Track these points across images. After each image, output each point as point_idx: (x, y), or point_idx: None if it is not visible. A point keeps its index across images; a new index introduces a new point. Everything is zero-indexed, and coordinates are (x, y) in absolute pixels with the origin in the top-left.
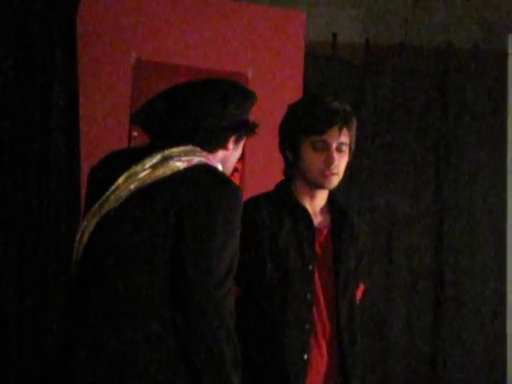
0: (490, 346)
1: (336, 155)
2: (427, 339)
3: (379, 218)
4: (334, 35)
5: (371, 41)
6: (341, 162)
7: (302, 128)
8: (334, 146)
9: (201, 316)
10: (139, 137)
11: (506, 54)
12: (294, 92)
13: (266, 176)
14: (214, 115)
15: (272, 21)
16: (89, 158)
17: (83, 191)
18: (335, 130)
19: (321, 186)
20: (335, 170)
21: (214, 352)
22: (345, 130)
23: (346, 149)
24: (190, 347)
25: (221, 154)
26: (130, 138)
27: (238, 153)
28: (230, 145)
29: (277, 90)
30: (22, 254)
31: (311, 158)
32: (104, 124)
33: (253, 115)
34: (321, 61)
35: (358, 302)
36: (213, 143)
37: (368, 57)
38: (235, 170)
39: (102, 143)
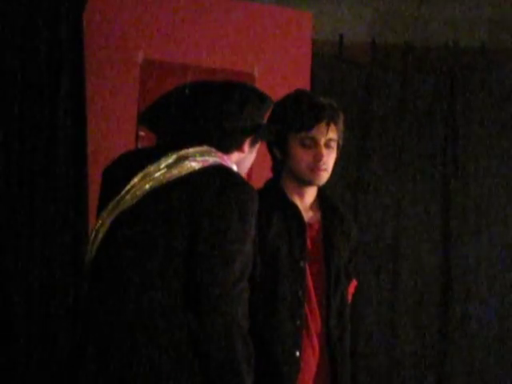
0: (500, 348)
1: (325, 151)
2: (435, 342)
3: (386, 219)
4: (341, 35)
5: (378, 40)
6: (329, 158)
7: (289, 125)
8: (323, 141)
9: (215, 315)
10: (146, 136)
11: None
12: None
13: (271, 174)
14: (231, 116)
15: (279, 21)
16: (96, 158)
17: (90, 191)
18: (323, 125)
19: (310, 183)
20: (324, 166)
21: (228, 351)
22: (332, 126)
23: (334, 145)
24: (203, 347)
25: (236, 155)
26: (137, 137)
27: (252, 156)
28: (246, 147)
29: (283, 89)
30: (29, 254)
31: (300, 155)
32: (111, 124)
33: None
34: (327, 60)
35: (350, 297)
36: (228, 144)
37: (374, 56)
38: None
39: (109, 143)
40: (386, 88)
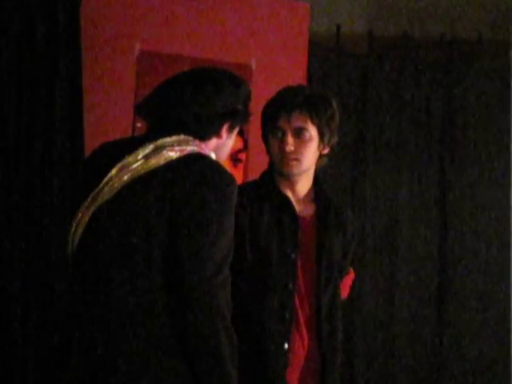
0: (495, 335)
1: (292, 140)
2: (432, 329)
3: (383, 209)
4: (338, 26)
5: (375, 32)
6: (301, 148)
7: (263, 118)
8: (289, 131)
9: (196, 304)
10: (143, 128)
11: (509, 44)
12: (297, 83)
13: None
14: (205, 102)
15: (276, 11)
16: (94, 149)
17: None
18: (286, 115)
19: (282, 174)
20: (293, 156)
21: (210, 341)
22: (297, 115)
23: (307, 134)
24: (185, 337)
25: (214, 142)
26: (133, 129)
27: (231, 142)
28: (224, 133)
29: (280, 80)
30: (26, 248)
31: (271, 146)
32: (108, 115)
33: (256, 106)
34: (324, 52)
35: (348, 289)
36: (206, 131)
37: (372, 47)
38: (239, 161)
39: (106, 134)
40: (383, 79)
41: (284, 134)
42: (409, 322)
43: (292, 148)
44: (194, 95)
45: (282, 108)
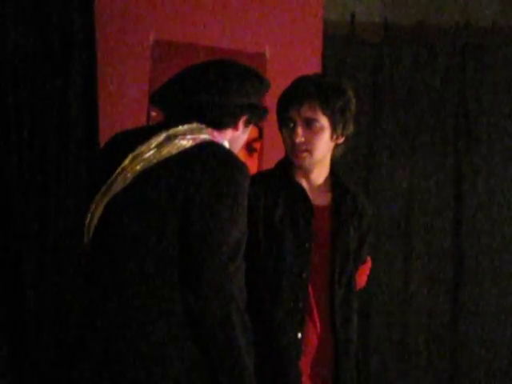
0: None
1: (302, 131)
2: (447, 318)
3: (399, 197)
4: (353, 14)
5: (389, 20)
6: (312, 139)
7: (277, 108)
8: (299, 121)
9: (210, 292)
10: (158, 117)
11: None
12: (312, 71)
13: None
14: (228, 92)
15: (290, 0)
16: (108, 139)
17: None
18: (296, 105)
19: (295, 164)
20: (303, 147)
21: (224, 328)
22: (307, 105)
23: (318, 125)
24: (201, 325)
25: (230, 133)
26: (148, 118)
27: (244, 137)
28: (240, 126)
29: (295, 69)
30: (41, 240)
31: (283, 136)
32: (123, 104)
33: (270, 95)
34: (339, 40)
35: (365, 278)
36: (223, 120)
37: (386, 36)
38: (254, 150)
39: (121, 123)
40: (397, 67)
41: (295, 125)
42: (424, 311)
43: (302, 139)
44: (217, 83)
45: (293, 98)
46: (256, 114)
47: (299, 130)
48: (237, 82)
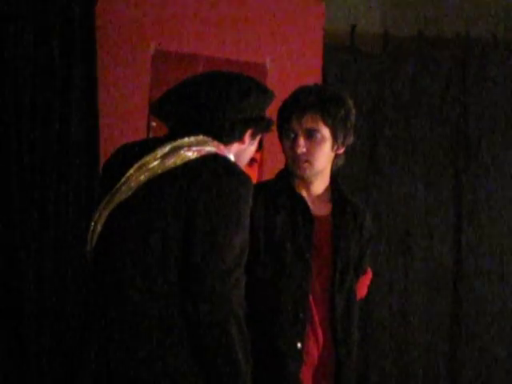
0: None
1: (304, 142)
2: (446, 328)
3: (398, 207)
4: (353, 25)
5: (390, 31)
6: (313, 150)
7: (278, 119)
8: (300, 132)
9: (210, 304)
10: (158, 127)
11: None
12: (312, 82)
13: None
14: (231, 107)
15: (291, 11)
16: (108, 149)
17: None
18: (297, 116)
19: (296, 175)
20: (304, 157)
21: (223, 339)
22: (308, 116)
23: (319, 135)
24: (199, 334)
25: (236, 147)
26: (148, 127)
27: (252, 148)
28: (247, 138)
29: (295, 80)
30: (41, 245)
31: (284, 147)
32: (123, 114)
33: (271, 105)
34: (339, 51)
35: (365, 289)
36: (229, 135)
37: (387, 47)
38: (254, 160)
39: (122, 133)
40: (397, 79)
41: (296, 136)
42: (424, 321)
43: (304, 150)
44: (221, 98)
45: (294, 109)
46: (262, 126)
47: (301, 141)
48: (241, 96)
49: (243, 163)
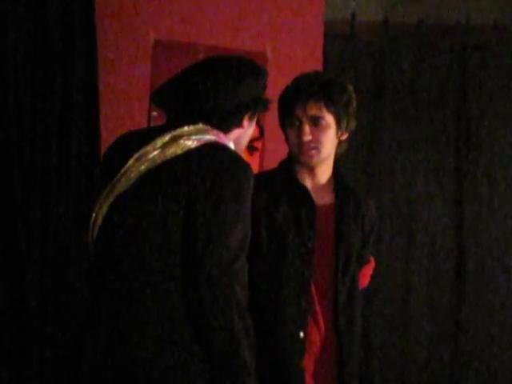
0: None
1: (309, 129)
2: (449, 320)
3: (399, 195)
4: (353, 14)
5: (390, 19)
6: (320, 137)
7: (280, 107)
8: (305, 119)
9: (212, 292)
10: (159, 117)
11: None
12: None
13: (285, 155)
14: (227, 95)
15: (291, 0)
16: (109, 139)
17: None
18: (301, 104)
19: (302, 163)
20: (312, 145)
21: (226, 326)
22: (312, 103)
23: (324, 122)
24: (200, 324)
25: (236, 132)
26: (149, 117)
27: (251, 129)
28: (245, 122)
29: (296, 69)
30: (44, 242)
31: (289, 135)
32: (124, 104)
33: (272, 94)
34: (340, 40)
35: (368, 279)
36: (229, 123)
37: (387, 35)
38: (255, 149)
39: (122, 123)
40: (398, 67)
41: (301, 123)
42: (426, 309)
43: (310, 137)
44: (215, 88)
45: (298, 97)
46: (259, 107)
47: (306, 129)
48: (233, 82)
49: (243, 146)
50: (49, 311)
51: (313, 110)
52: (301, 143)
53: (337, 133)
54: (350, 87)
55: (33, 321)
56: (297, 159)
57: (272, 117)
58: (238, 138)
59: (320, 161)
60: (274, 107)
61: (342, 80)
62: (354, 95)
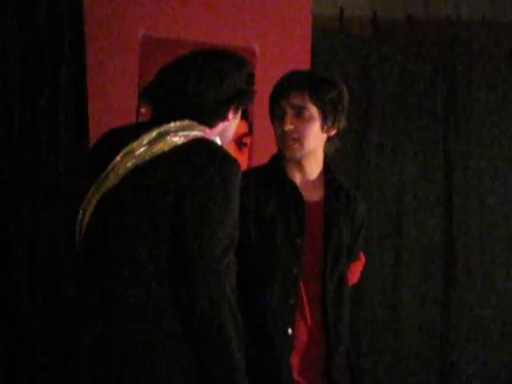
0: (502, 317)
1: (292, 119)
2: (438, 314)
3: (389, 192)
4: (341, 8)
5: (379, 14)
6: (301, 128)
7: (270, 102)
8: (289, 109)
9: (202, 288)
10: (147, 113)
11: None
12: (301, 66)
13: (274, 150)
14: (210, 91)
15: None
16: (98, 135)
17: None
18: (285, 94)
19: (287, 157)
20: (294, 136)
21: (216, 324)
22: (295, 93)
23: (307, 113)
24: (191, 321)
25: (221, 126)
26: (138, 114)
27: (236, 121)
28: (230, 115)
29: (284, 64)
30: (32, 237)
31: (275, 129)
32: (112, 101)
33: (260, 90)
34: (328, 35)
35: (358, 275)
36: (213, 118)
37: (375, 30)
38: (244, 144)
39: (111, 120)
40: (387, 62)
41: (284, 113)
42: (415, 306)
43: (291, 127)
44: (198, 84)
45: (283, 89)
46: (243, 100)
47: (288, 118)
48: (216, 78)
49: (229, 138)
50: (39, 310)
51: (296, 99)
52: (283, 133)
53: (322, 127)
54: (343, 86)
55: (24, 320)
56: (282, 154)
57: (261, 113)
58: (223, 131)
59: (304, 154)
60: (262, 103)
61: (334, 77)
62: (345, 95)
